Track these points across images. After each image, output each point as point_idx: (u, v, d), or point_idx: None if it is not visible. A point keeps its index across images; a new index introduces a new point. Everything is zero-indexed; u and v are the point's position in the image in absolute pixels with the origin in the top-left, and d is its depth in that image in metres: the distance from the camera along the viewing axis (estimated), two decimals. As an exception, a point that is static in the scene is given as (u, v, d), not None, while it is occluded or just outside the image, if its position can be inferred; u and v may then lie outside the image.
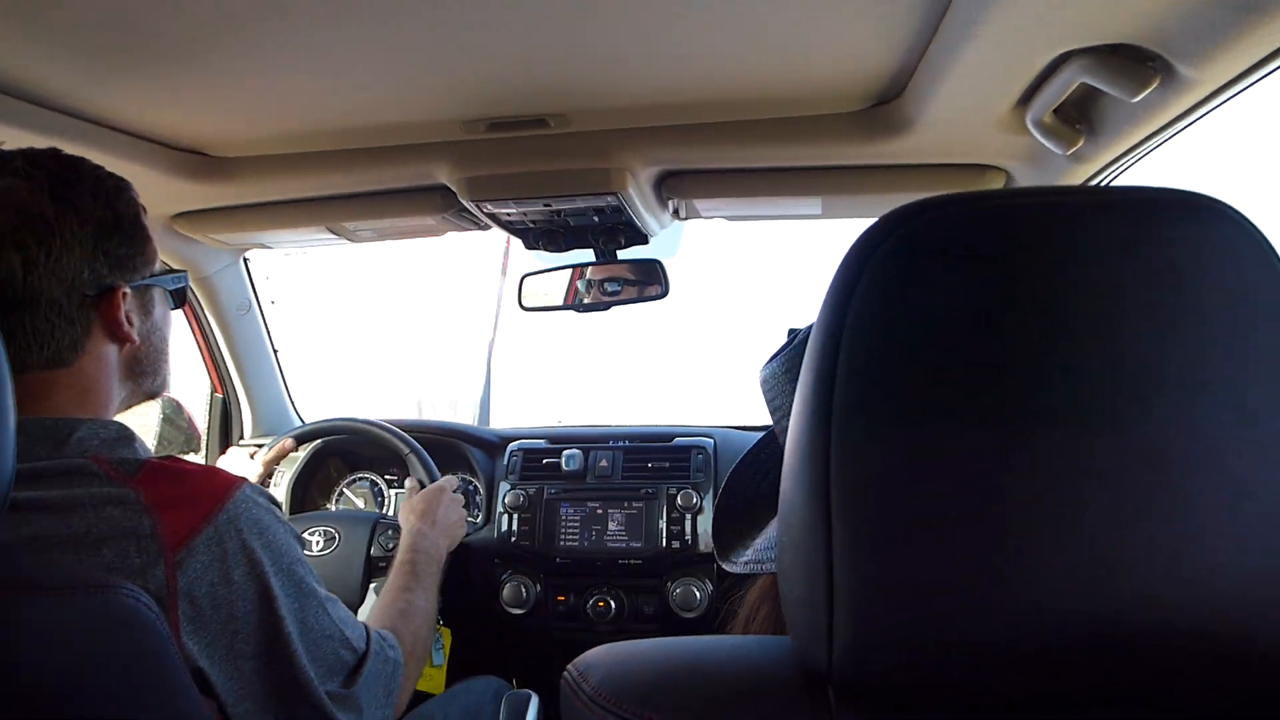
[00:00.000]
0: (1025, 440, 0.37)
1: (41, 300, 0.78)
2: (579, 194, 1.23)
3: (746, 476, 0.70)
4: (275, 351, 1.98)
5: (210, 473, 0.80)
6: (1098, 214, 0.38)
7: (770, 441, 0.70)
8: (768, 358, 0.65)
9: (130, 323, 0.85)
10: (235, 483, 0.80)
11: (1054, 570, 0.36)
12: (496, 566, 1.65)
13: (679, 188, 1.33)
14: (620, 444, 1.71)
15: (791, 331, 0.64)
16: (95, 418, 0.81)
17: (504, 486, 1.69)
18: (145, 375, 0.88)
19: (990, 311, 0.38)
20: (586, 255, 1.67)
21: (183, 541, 0.74)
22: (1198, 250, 0.38)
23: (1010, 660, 0.37)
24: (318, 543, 1.47)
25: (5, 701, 0.61)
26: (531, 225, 1.42)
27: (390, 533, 1.47)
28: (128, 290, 0.84)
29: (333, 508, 1.84)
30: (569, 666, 0.48)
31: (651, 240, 1.59)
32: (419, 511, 1.33)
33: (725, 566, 0.64)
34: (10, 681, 0.61)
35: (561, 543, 1.62)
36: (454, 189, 1.26)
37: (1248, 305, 0.37)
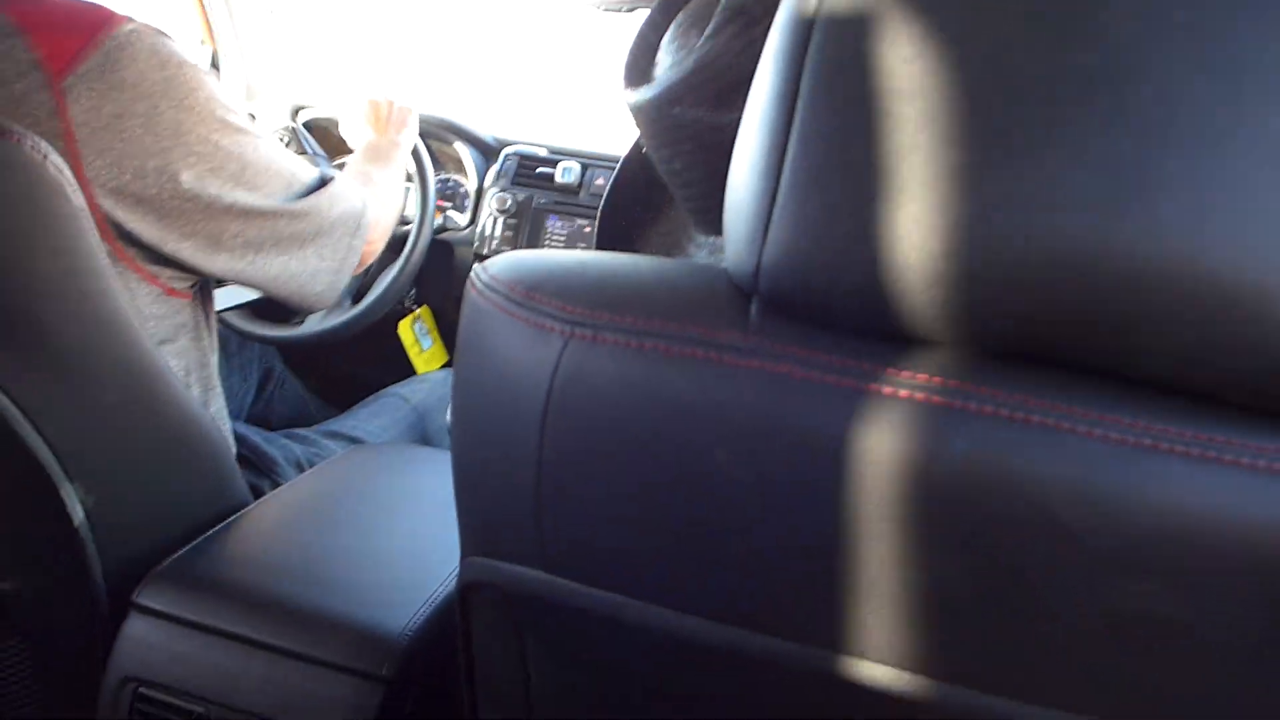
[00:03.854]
0: (1057, 26, 0.29)
1: None
2: None
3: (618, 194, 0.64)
4: (271, 9, 1.83)
5: (93, 4, 0.72)
6: None
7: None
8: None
9: None
10: (121, 16, 0.71)
11: (1061, 196, 0.29)
12: (475, 267, 1.61)
13: None
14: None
15: None
16: None
17: (494, 189, 1.61)
18: None
19: None
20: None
21: (68, 67, 0.67)
22: None
23: (965, 299, 0.31)
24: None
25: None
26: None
27: None
28: None
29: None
30: (475, 265, 0.42)
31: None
32: (369, 120, 1.23)
33: None
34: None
35: (544, 255, 1.57)
36: None
37: None
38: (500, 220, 1.58)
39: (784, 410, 0.31)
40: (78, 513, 0.70)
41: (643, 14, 1.57)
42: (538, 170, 1.60)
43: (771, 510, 0.33)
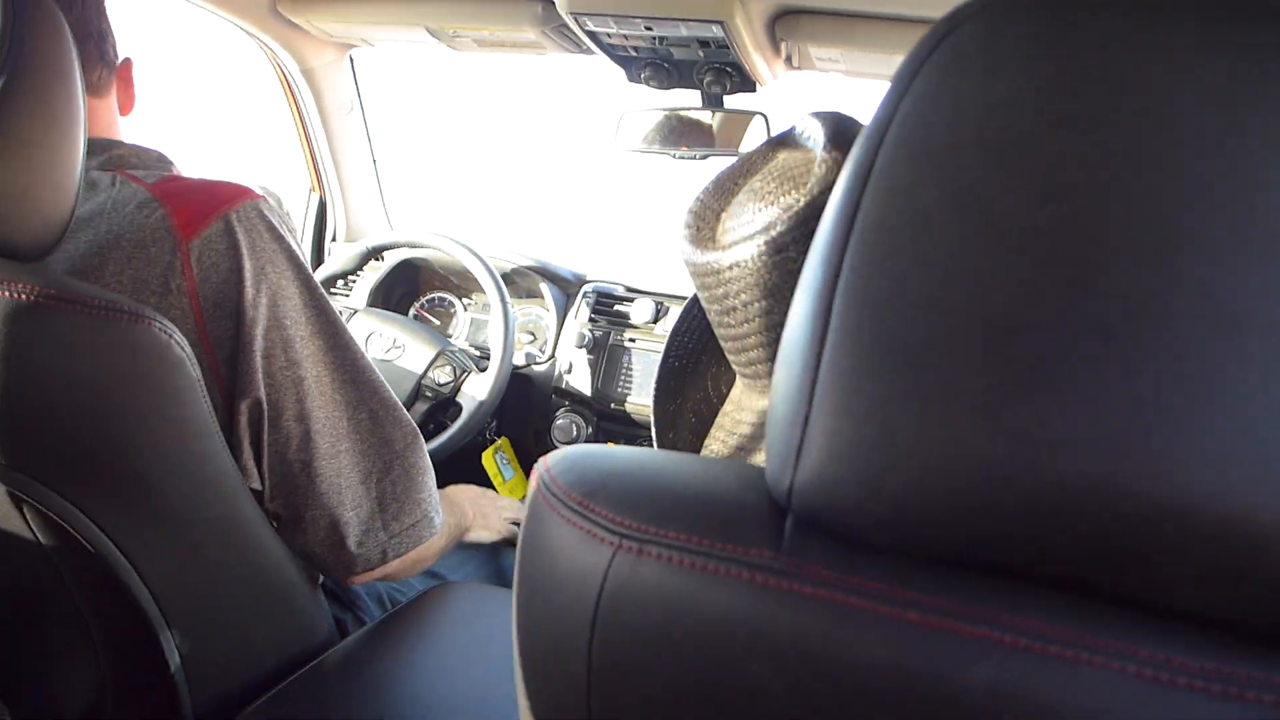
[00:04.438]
0: (1076, 276, 0.32)
1: (91, 26, 0.83)
2: (682, 18, 1.15)
3: (680, 339, 0.67)
4: (375, 159, 1.99)
5: (230, 182, 0.83)
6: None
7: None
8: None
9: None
10: (251, 192, 0.83)
11: (1077, 435, 0.31)
12: (554, 401, 1.67)
13: (794, 29, 1.22)
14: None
15: None
16: (133, 143, 0.86)
17: (572, 324, 1.68)
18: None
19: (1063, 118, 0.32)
20: (692, 100, 1.59)
21: (194, 232, 0.76)
22: None
23: (988, 529, 0.33)
24: (383, 345, 1.51)
25: (33, 407, 0.64)
26: (634, 52, 1.35)
27: (448, 369, 1.49)
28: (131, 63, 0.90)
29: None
30: (540, 460, 0.46)
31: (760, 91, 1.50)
32: (471, 499, 1.24)
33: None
34: (40, 388, 0.64)
35: (620, 389, 1.62)
36: (554, -1, 1.19)
37: None
38: (579, 355, 1.64)
39: (811, 631, 0.33)
40: (174, 658, 0.74)
41: (715, 162, 1.65)
42: (615, 307, 1.67)
43: (807, 722, 0.34)
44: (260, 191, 1.98)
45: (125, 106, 0.90)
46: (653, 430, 0.67)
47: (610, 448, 0.45)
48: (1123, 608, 0.32)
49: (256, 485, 0.82)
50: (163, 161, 0.86)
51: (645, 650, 0.36)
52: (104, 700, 0.78)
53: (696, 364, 0.74)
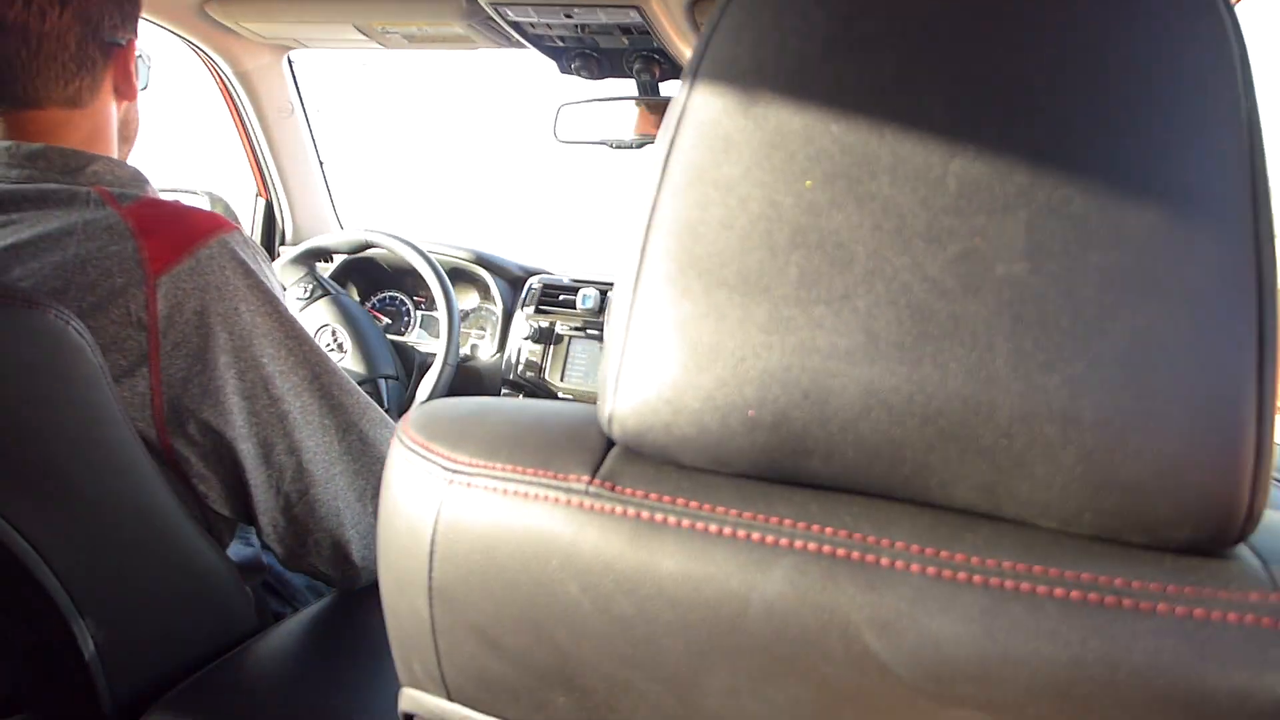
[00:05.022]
0: (851, 193, 0.33)
1: (72, 36, 0.80)
2: (599, 4, 1.16)
3: None
4: (320, 161, 1.99)
5: (207, 214, 0.82)
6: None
7: None
8: None
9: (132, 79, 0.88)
10: (225, 224, 0.82)
11: (854, 343, 0.32)
12: (503, 392, 1.68)
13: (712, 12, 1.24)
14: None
15: None
16: (109, 158, 0.84)
17: (519, 316, 1.69)
18: (127, 142, 0.92)
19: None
20: (627, 89, 1.60)
21: (164, 268, 0.76)
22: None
23: (780, 440, 0.34)
24: (324, 340, 1.51)
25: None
26: (560, 43, 1.36)
27: (391, 383, 1.50)
28: (134, 43, 0.86)
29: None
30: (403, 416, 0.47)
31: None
32: None
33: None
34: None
35: (566, 378, 1.62)
36: (475, -10, 1.20)
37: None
38: (525, 346, 1.65)
39: (617, 548, 0.34)
40: (89, 646, 0.74)
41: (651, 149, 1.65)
42: (560, 297, 1.68)
43: (621, 643, 0.35)
44: (208, 198, 1.96)
45: (127, 93, 0.88)
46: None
47: (470, 398, 0.46)
48: (922, 512, 0.33)
49: (224, 512, 0.83)
50: (137, 180, 0.85)
51: (476, 578, 0.37)
52: (21, 690, 0.78)
53: None
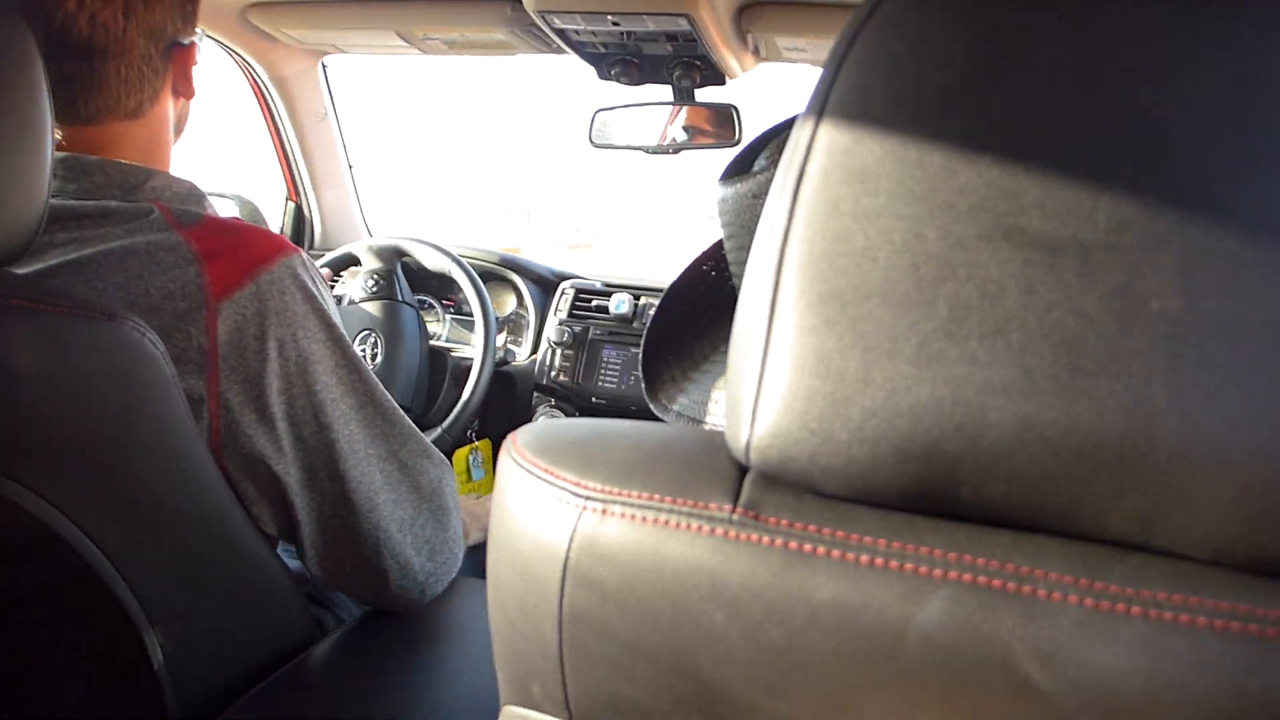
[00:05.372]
0: (998, 227, 0.33)
1: (136, 50, 0.80)
2: (648, 12, 1.16)
3: (683, 295, 0.65)
4: (350, 166, 1.99)
5: (268, 236, 0.82)
6: None
7: (715, 253, 0.64)
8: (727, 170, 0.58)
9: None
10: (289, 248, 0.82)
11: (1007, 378, 0.33)
12: (536, 397, 1.68)
13: (760, 20, 1.24)
14: (672, 295, 1.67)
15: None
16: (167, 173, 0.84)
17: (552, 321, 1.69)
18: (178, 133, 0.91)
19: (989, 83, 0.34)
20: (664, 95, 1.60)
21: (226, 293, 0.76)
22: None
23: (931, 471, 0.34)
24: (366, 350, 1.52)
25: (7, 408, 0.65)
26: (603, 49, 1.36)
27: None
28: (197, 43, 0.87)
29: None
30: (509, 435, 0.47)
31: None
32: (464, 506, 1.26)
33: (655, 410, 0.61)
34: (14, 390, 0.64)
35: (600, 383, 1.63)
36: (521, -2, 1.21)
37: None
38: (558, 351, 1.65)
39: (765, 577, 0.34)
40: (158, 656, 0.75)
41: (688, 155, 1.65)
42: (593, 303, 1.69)
43: (769, 672, 0.35)
44: (237, 202, 1.96)
45: (186, 92, 0.88)
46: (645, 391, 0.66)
47: (575, 419, 0.46)
48: (1070, 543, 0.33)
49: (271, 532, 0.84)
50: (195, 196, 0.85)
51: (612, 606, 0.37)
52: (90, 702, 0.78)
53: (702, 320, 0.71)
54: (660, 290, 1.69)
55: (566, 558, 0.38)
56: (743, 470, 0.38)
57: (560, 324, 1.67)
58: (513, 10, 1.30)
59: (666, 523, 0.36)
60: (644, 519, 0.37)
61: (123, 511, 0.72)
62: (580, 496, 0.39)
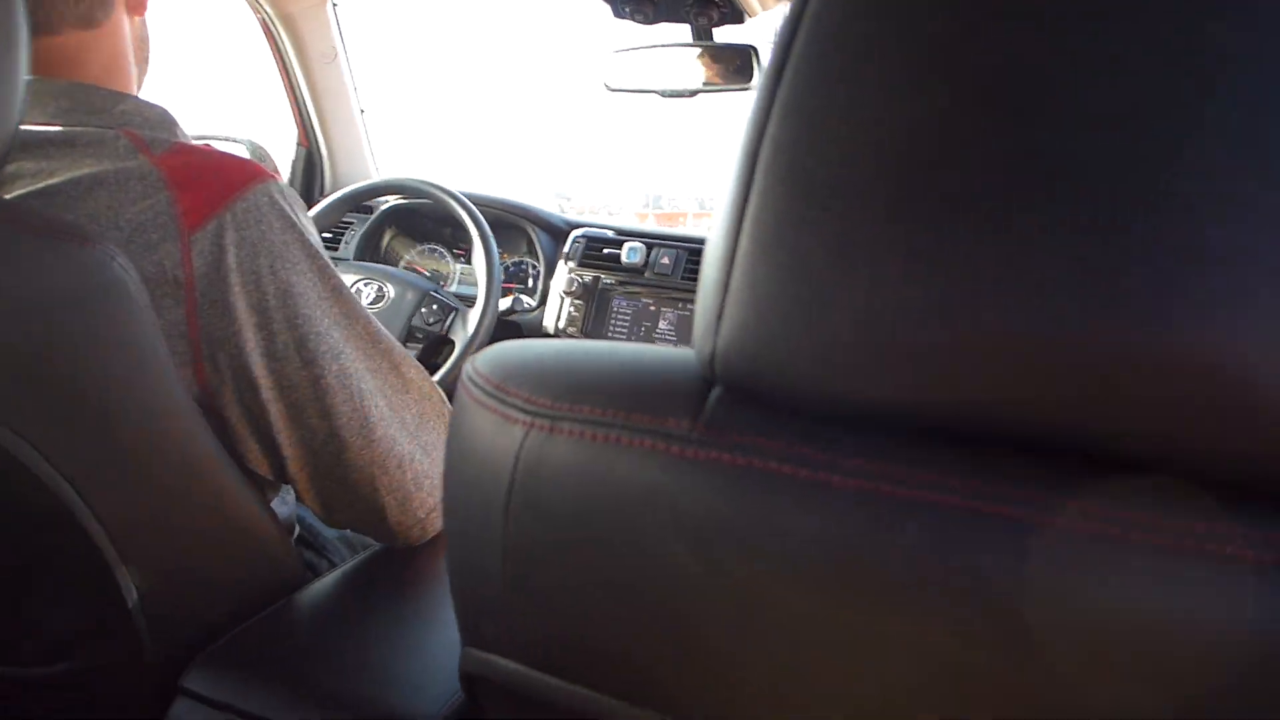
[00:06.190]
0: (1017, 109, 0.28)
1: None
2: (659, -62, 1.10)
3: None
4: (360, 109, 1.94)
5: (241, 162, 0.78)
6: None
7: None
8: None
9: None
10: (263, 174, 0.78)
11: (1017, 280, 0.28)
12: (544, 348, 1.65)
13: (777, -52, 1.17)
14: (685, 245, 1.62)
15: None
16: (137, 97, 0.80)
17: (562, 270, 1.65)
18: (143, 63, 0.87)
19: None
20: (681, 35, 1.54)
21: (200, 223, 0.73)
22: None
23: (913, 382, 0.29)
24: (367, 294, 1.48)
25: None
26: (614, -18, 1.30)
27: (435, 308, 1.47)
28: None
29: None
30: (468, 359, 0.43)
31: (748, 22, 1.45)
32: None
33: None
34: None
35: (609, 334, 1.58)
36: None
37: None
38: (567, 301, 1.61)
39: (731, 502, 0.30)
40: (132, 595, 0.72)
41: (704, 96, 1.59)
42: (604, 251, 1.64)
43: (733, 606, 0.31)
44: (248, 146, 1.93)
45: (137, 7, 0.84)
46: None
47: (545, 340, 0.42)
48: (1064, 461, 0.29)
49: (260, 471, 0.81)
50: (166, 122, 0.80)
51: (558, 530, 0.34)
52: (65, 639, 0.76)
53: None
54: (672, 239, 1.64)
55: (512, 479, 0.34)
56: (708, 386, 0.34)
57: (570, 273, 1.63)
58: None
59: (619, 439, 0.32)
60: (594, 436, 0.33)
61: (91, 440, 0.69)
62: (527, 413, 0.34)
